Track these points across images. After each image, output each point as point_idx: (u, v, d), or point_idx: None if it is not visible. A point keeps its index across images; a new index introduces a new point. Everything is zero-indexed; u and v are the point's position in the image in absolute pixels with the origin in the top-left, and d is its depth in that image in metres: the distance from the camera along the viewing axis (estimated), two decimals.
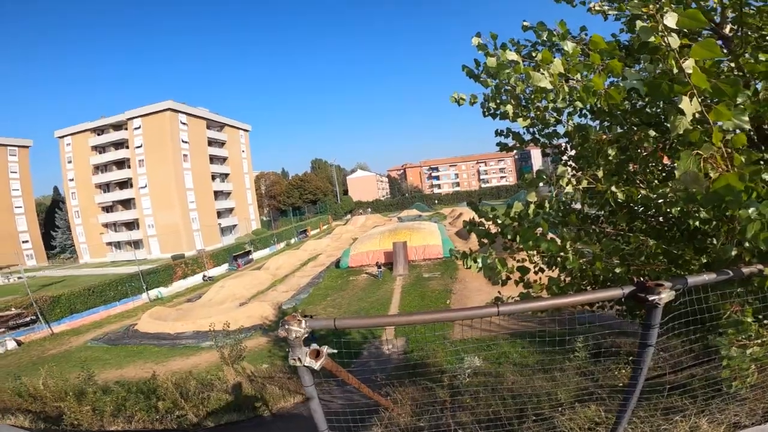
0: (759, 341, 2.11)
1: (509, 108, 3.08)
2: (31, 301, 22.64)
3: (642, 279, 1.88)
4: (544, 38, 2.99)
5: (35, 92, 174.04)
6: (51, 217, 63.16)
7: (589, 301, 2.04)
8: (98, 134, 55.17)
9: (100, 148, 55.41)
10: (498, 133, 3.65)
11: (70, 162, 56.35)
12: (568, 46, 2.28)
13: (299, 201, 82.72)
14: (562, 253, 2.64)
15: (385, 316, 2.07)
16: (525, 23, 3.09)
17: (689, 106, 1.57)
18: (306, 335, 1.84)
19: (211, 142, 60.27)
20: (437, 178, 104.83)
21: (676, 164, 1.74)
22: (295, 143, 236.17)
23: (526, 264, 3.02)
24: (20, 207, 56.31)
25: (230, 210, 63.29)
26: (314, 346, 1.91)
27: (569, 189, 2.83)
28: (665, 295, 1.73)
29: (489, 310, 1.85)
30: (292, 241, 51.79)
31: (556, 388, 4.06)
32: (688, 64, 1.57)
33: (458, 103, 3.41)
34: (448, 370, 9.03)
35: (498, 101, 3.09)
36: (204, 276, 34.44)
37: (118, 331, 21.62)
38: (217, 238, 56.60)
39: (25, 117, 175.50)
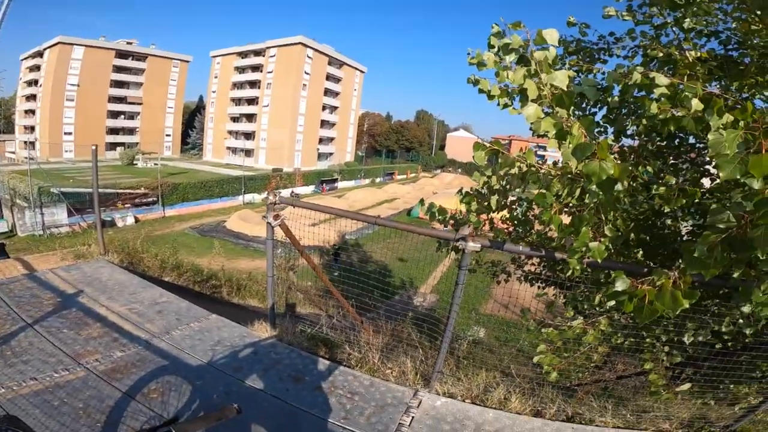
0: (554, 324, 2.22)
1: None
2: (157, 184, 27.77)
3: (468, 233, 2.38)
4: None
5: (202, 19, 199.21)
6: (192, 119, 74.58)
7: (429, 234, 2.74)
8: (242, 57, 62.89)
9: (240, 69, 63.26)
10: None
11: (216, 77, 65.97)
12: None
13: (395, 145, 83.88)
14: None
15: (333, 208, 3.50)
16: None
17: (532, 111, 1.69)
18: (276, 203, 3.36)
19: (329, 77, 64.24)
20: (542, 157, 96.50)
21: None
22: (405, 92, 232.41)
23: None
24: (171, 108, 67.77)
25: (330, 139, 67.57)
26: (278, 212, 3.41)
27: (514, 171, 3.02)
28: (470, 245, 2.33)
29: (369, 218, 3.09)
30: (377, 180, 53.88)
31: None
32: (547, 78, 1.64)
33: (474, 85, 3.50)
34: (454, 333, 9.34)
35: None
36: (292, 192, 38.06)
37: (211, 225, 25.58)
38: (313, 161, 61.60)
39: (192, 38, 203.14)
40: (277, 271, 13.74)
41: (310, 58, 59.04)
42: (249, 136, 61.68)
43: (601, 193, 1.56)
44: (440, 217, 3.33)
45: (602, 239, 1.75)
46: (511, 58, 1.93)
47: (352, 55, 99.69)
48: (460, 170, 77.20)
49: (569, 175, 1.70)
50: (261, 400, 2.58)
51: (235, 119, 63.94)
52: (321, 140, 64.90)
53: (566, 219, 1.85)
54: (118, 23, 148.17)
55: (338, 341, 3.52)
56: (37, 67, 55.71)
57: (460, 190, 3.45)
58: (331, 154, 67.48)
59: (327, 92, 64.49)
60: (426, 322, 3.74)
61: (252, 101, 61.85)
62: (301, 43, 56.81)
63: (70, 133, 54.30)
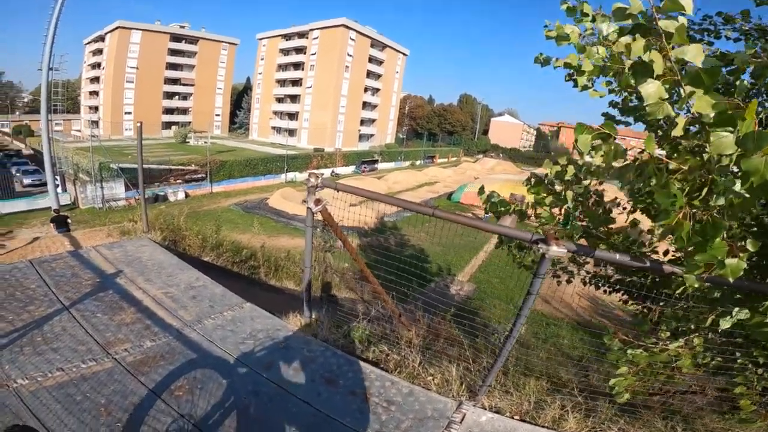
0: (645, 346, 1.81)
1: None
2: (206, 161, 28.91)
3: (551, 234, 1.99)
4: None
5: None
6: (240, 100, 77.39)
7: (503, 233, 2.32)
8: (286, 39, 63.62)
9: (285, 51, 64.13)
10: (612, 105, 3.28)
11: (262, 59, 67.37)
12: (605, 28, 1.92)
13: (437, 128, 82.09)
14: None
15: (380, 194, 3.01)
16: None
17: (653, 89, 1.32)
18: (318, 186, 2.87)
19: (371, 59, 63.69)
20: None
21: None
22: (448, 76, 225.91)
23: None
24: (220, 89, 70.50)
25: (372, 121, 67.30)
26: (319, 197, 2.94)
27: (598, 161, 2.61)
28: (553, 249, 1.90)
29: (426, 209, 2.60)
30: (418, 162, 53.18)
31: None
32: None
33: (542, 65, 3.04)
34: (490, 327, 8.97)
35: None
36: (332, 171, 38.56)
37: (254, 202, 26.34)
38: (354, 142, 61.80)
39: (241, 20, 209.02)
40: (314, 252, 13.69)
41: (352, 40, 58.70)
42: (293, 116, 62.80)
43: (748, 195, 1.14)
44: (502, 209, 2.92)
45: (741, 254, 1.30)
46: (611, 29, 1.64)
47: (394, 37, 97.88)
48: (502, 155, 74.36)
49: (703, 170, 1.25)
50: (291, 405, 2.36)
51: (279, 100, 65.24)
52: (362, 122, 64.84)
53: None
54: (169, 9, 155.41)
55: (375, 339, 3.25)
56: (99, 51, 59.45)
57: (529, 179, 3.04)
58: (371, 135, 67.33)
59: (369, 74, 64.10)
60: (465, 318, 3.41)
61: (296, 82, 62.71)
62: (343, 25, 56.66)
63: (129, 113, 57.90)
